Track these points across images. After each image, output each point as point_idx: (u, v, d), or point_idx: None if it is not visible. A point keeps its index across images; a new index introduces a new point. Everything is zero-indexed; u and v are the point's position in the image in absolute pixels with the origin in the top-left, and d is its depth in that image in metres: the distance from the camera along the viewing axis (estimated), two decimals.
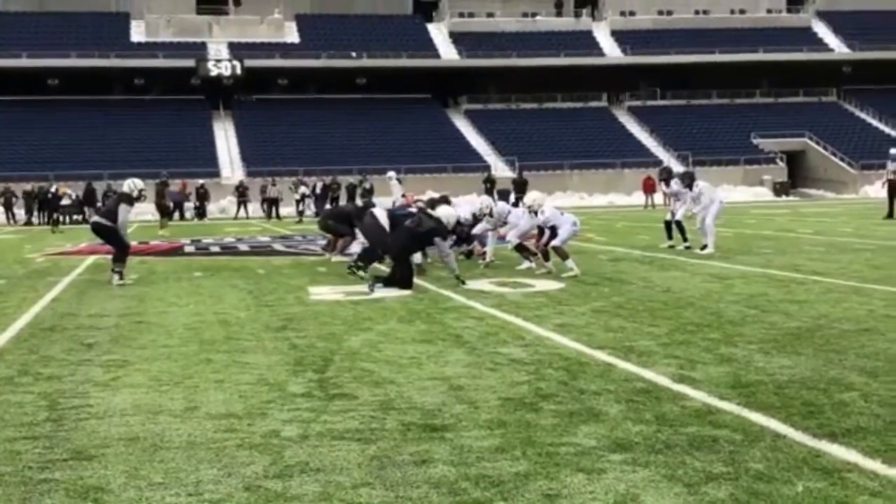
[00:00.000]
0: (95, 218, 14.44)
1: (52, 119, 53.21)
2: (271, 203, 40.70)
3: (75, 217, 39.70)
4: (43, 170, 45.83)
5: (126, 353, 7.80)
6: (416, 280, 12.62)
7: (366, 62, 58.74)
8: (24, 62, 54.44)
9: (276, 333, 8.68)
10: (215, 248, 21.33)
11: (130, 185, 14.04)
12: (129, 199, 13.88)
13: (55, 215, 36.75)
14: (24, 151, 49.83)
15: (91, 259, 18.26)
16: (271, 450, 4.85)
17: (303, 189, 39.21)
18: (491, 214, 14.53)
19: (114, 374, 6.96)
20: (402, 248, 12.36)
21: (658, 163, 49.20)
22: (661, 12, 66.23)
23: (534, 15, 66.24)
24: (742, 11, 66.89)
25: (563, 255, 13.08)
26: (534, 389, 6.06)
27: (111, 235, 13.79)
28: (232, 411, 5.70)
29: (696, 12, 66.37)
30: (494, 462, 4.54)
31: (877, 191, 37.23)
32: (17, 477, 4.51)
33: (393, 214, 13.94)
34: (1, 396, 6.27)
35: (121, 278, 13.42)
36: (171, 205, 36.65)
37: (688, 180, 16.92)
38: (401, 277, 12.00)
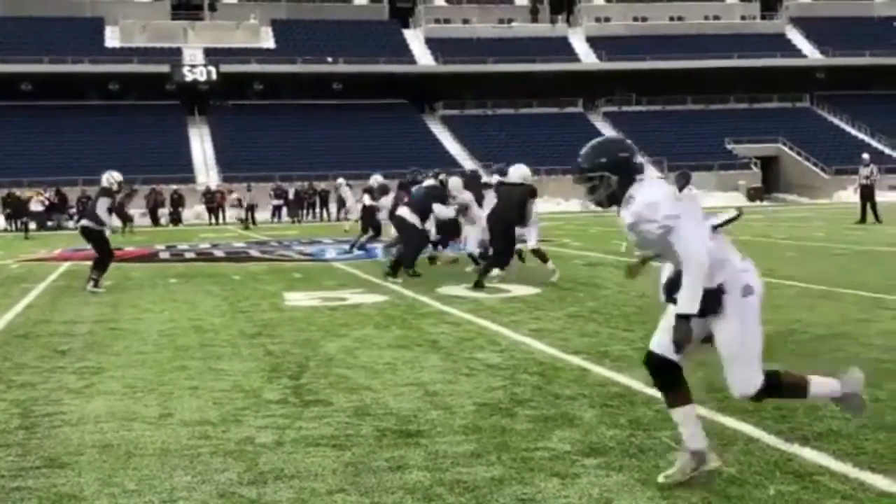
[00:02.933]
0: (84, 222, 14.08)
1: (25, 124, 52.80)
2: (247, 209, 40.64)
3: (48, 224, 39.60)
4: (16, 175, 45.45)
5: (100, 360, 7.76)
6: (392, 286, 12.66)
7: (342, 67, 58.68)
8: None
9: (252, 340, 8.66)
10: (190, 255, 21.25)
11: (109, 177, 13.85)
12: (108, 192, 13.74)
13: (24, 221, 36.58)
14: None
15: (65, 265, 18.16)
16: (246, 457, 4.84)
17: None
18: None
19: (88, 380, 6.93)
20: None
21: None
22: (636, 18, 66.59)
23: (510, 21, 66.40)
24: (716, 18, 67.37)
25: (543, 258, 13.14)
26: (509, 395, 6.08)
27: (98, 240, 13.67)
28: (206, 418, 5.69)
29: (671, 18, 66.81)
30: (469, 467, 4.55)
31: (849, 196, 37.51)
32: None
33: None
34: None
35: (95, 285, 13.29)
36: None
37: (682, 181, 16.30)
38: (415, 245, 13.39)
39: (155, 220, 41.34)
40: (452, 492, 4.22)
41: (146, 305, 11.54)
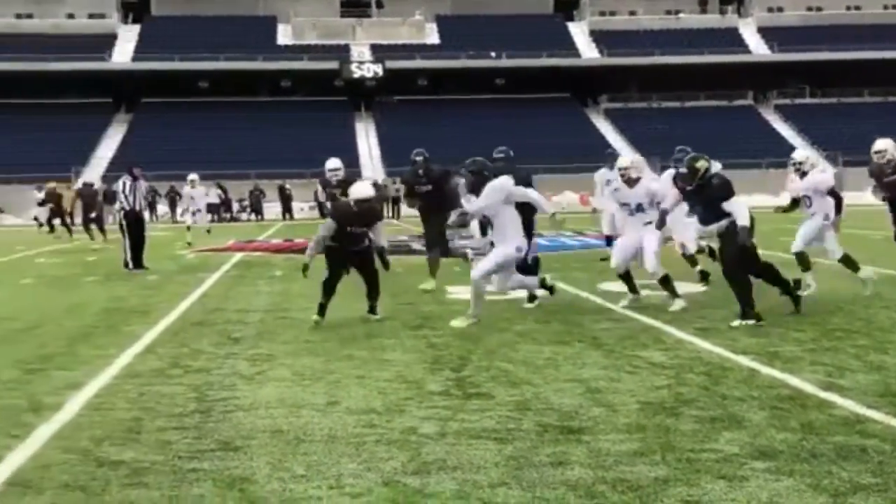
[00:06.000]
0: None
1: (201, 120, 55.02)
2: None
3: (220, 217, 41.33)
4: (187, 168, 47.16)
5: (271, 348, 8.01)
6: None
7: (505, 62, 58.80)
8: (176, 65, 56.47)
9: (414, 331, 8.77)
10: None
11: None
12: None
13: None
14: (171, 152, 51.53)
15: (238, 256, 18.83)
16: (409, 446, 4.91)
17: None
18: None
19: (259, 367, 7.16)
20: None
21: None
22: (810, 8, 64.28)
23: (677, 12, 65.15)
24: (895, 7, 64.36)
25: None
26: (674, 394, 5.97)
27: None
28: (371, 407, 5.79)
29: (848, 8, 64.18)
30: (633, 466, 4.49)
31: None
32: (167, 466, 4.69)
33: None
34: (153, 388, 6.53)
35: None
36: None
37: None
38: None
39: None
40: (615, 490, 4.17)
41: (316, 295, 11.79)
